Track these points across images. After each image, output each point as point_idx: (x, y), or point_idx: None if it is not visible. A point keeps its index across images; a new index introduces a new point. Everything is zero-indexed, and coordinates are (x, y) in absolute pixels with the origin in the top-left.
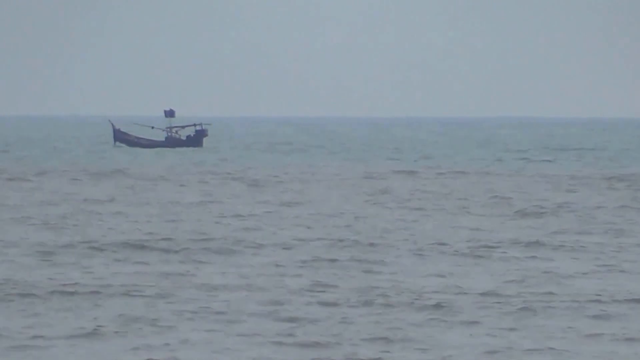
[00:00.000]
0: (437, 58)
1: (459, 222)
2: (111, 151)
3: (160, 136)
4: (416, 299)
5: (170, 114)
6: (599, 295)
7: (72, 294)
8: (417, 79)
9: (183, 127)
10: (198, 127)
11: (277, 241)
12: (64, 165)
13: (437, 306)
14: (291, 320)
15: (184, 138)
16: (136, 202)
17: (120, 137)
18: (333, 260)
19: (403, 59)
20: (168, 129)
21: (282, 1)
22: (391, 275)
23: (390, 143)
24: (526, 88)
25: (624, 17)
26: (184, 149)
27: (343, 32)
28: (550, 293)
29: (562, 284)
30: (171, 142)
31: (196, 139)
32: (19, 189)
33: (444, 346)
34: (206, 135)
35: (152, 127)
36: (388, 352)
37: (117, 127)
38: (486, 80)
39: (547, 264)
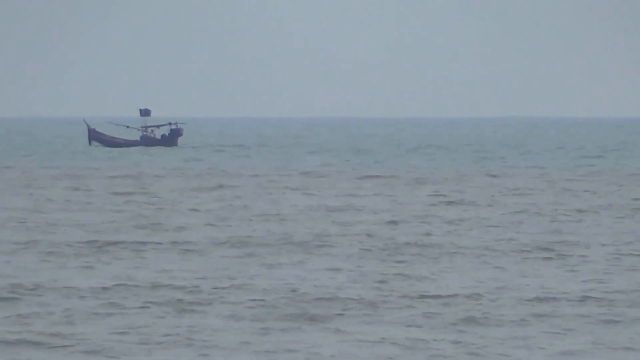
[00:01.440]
0: (434, 58)
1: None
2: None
3: (136, 135)
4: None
5: (145, 113)
6: None
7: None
8: (415, 80)
9: (158, 126)
10: (173, 126)
11: (330, 242)
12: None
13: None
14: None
15: (158, 137)
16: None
17: (96, 136)
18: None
19: (402, 58)
20: (143, 128)
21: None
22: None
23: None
24: (522, 88)
25: (627, 16)
26: (160, 148)
27: (341, 31)
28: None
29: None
30: (146, 142)
31: (171, 138)
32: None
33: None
34: (181, 134)
35: (127, 127)
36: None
37: (92, 127)
38: (485, 81)
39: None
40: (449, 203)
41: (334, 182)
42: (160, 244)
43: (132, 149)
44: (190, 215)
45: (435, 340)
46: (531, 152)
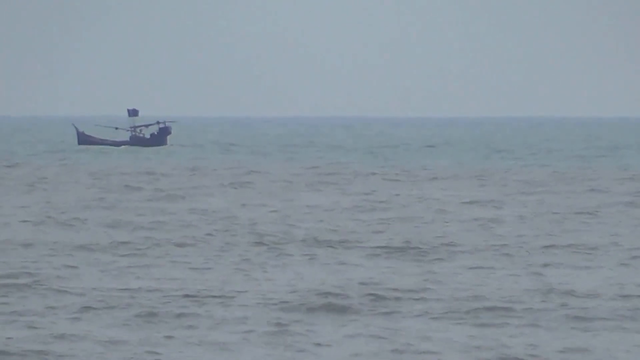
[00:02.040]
0: (437, 58)
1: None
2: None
3: (125, 136)
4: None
5: (133, 113)
6: None
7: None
8: (415, 79)
9: (147, 125)
10: (161, 125)
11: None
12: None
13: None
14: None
15: (148, 137)
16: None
17: (84, 139)
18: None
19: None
20: (132, 129)
21: None
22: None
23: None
24: (522, 88)
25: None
26: (150, 147)
27: (340, 31)
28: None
29: None
30: (135, 142)
31: (160, 137)
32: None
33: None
34: (170, 133)
35: (116, 128)
36: None
37: (80, 130)
38: (485, 81)
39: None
40: (465, 202)
41: (348, 180)
42: (176, 240)
43: (125, 148)
44: (205, 213)
45: (457, 332)
46: (540, 151)
